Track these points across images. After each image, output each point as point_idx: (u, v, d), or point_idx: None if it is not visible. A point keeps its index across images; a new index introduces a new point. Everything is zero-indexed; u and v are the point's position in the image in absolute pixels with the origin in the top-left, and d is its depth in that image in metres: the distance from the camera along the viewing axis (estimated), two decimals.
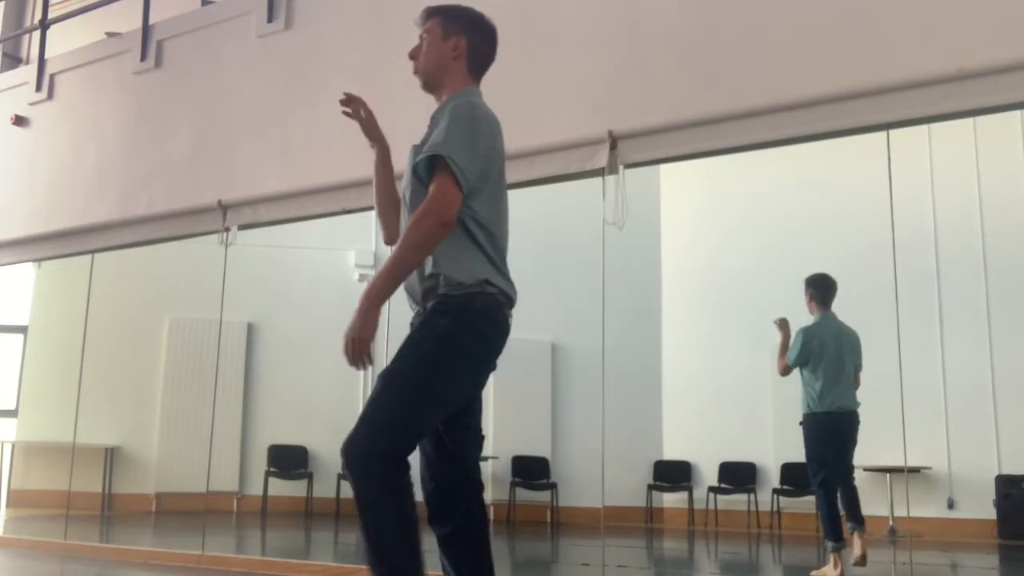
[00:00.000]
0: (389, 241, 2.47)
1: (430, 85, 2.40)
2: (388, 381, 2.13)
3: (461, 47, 2.38)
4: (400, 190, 2.41)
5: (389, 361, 2.18)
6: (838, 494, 4.91)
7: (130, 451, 9.01)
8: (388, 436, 2.07)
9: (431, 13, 2.42)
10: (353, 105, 2.52)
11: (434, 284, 2.20)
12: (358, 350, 2.08)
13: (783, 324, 5.20)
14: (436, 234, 2.10)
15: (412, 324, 2.29)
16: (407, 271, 2.13)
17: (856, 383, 5.06)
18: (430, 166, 2.17)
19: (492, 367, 2.29)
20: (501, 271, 2.27)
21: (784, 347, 5.15)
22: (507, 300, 2.27)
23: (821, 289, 5.12)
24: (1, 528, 7.78)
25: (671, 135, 4.15)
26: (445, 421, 2.23)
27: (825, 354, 4.98)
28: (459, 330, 2.17)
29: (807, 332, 5.06)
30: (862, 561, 4.73)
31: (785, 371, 5.14)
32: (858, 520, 4.86)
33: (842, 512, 4.90)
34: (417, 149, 2.29)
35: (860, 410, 4.99)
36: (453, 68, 2.38)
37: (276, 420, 9.14)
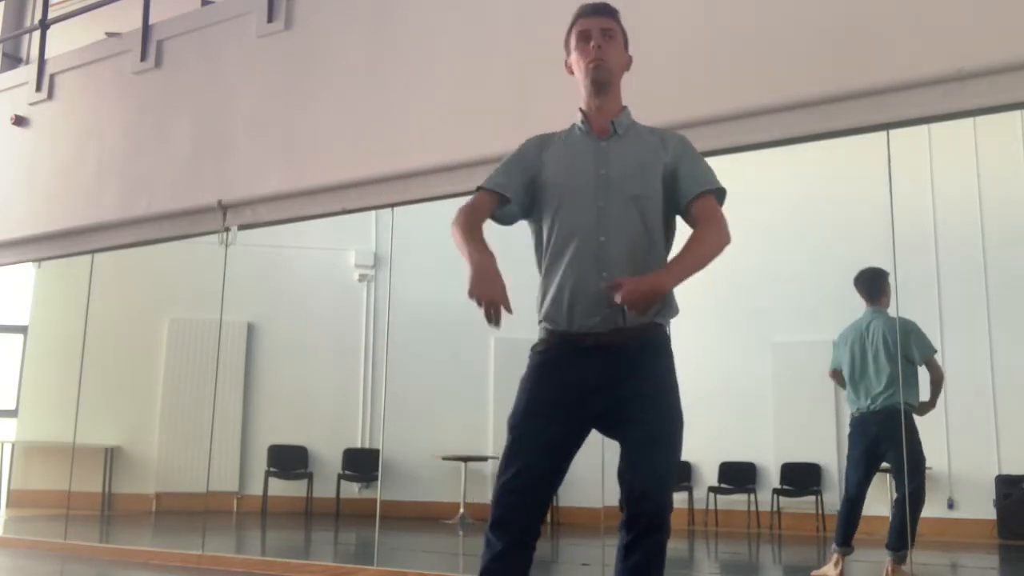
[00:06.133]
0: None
1: (606, 86, 2.30)
2: (670, 443, 2.22)
3: (629, 64, 2.40)
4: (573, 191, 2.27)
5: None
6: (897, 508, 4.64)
7: (130, 451, 9.01)
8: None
9: (616, 16, 2.37)
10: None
11: (660, 307, 2.19)
12: (645, 299, 2.06)
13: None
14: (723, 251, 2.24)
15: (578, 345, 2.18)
16: (701, 268, 2.20)
17: (933, 375, 4.80)
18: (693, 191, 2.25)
19: None
20: None
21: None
22: None
23: (858, 286, 4.97)
24: (1, 528, 7.78)
25: None
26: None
27: (849, 355, 4.87)
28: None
29: (839, 336, 4.97)
30: None
31: (837, 382, 5.05)
32: (895, 544, 4.58)
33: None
34: (644, 163, 2.26)
35: None
36: (620, 81, 2.37)
37: (276, 420, 9.14)
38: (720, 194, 2.31)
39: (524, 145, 2.38)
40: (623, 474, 2.16)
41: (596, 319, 2.14)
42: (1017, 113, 5.57)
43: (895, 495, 4.70)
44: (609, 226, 2.17)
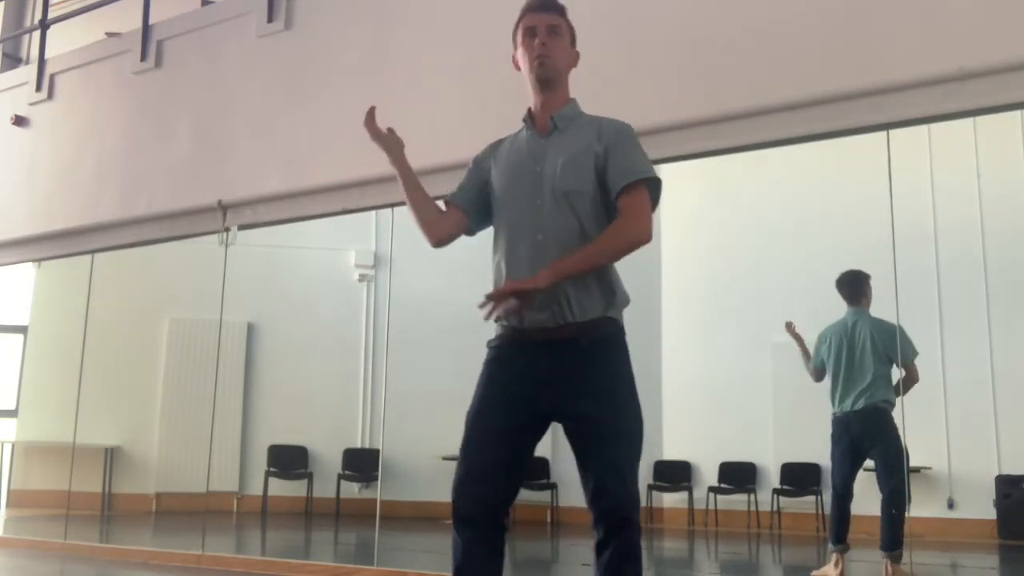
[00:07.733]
0: (438, 242, 2.35)
1: (552, 83, 2.28)
2: (626, 436, 2.16)
3: (576, 61, 2.38)
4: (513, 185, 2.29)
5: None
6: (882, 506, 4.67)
7: (130, 451, 9.01)
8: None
9: (564, 12, 2.34)
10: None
11: (610, 300, 2.19)
12: (522, 303, 2.06)
13: (788, 327, 5.16)
14: (636, 248, 2.15)
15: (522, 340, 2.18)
16: (600, 265, 2.15)
17: (909, 376, 4.78)
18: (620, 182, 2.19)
19: None
20: None
21: (804, 352, 5.11)
22: None
23: (839, 288, 5.01)
24: (1, 528, 7.78)
25: (671, 135, 4.14)
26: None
27: (832, 354, 4.91)
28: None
29: (820, 335, 5.02)
30: None
31: (815, 377, 5.05)
32: (887, 544, 4.60)
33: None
34: (574, 157, 2.21)
35: None
36: (567, 77, 2.35)
37: (276, 420, 9.14)
38: (653, 184, 2.22)
39: (476, 156, 2.41)
40: (582, 473, 2.17)
41: (544, 314, 2.15)
42: (1017, 113, 5.58)
43: (881, 495, 4.73)
44: (545, 223, 2.18)
